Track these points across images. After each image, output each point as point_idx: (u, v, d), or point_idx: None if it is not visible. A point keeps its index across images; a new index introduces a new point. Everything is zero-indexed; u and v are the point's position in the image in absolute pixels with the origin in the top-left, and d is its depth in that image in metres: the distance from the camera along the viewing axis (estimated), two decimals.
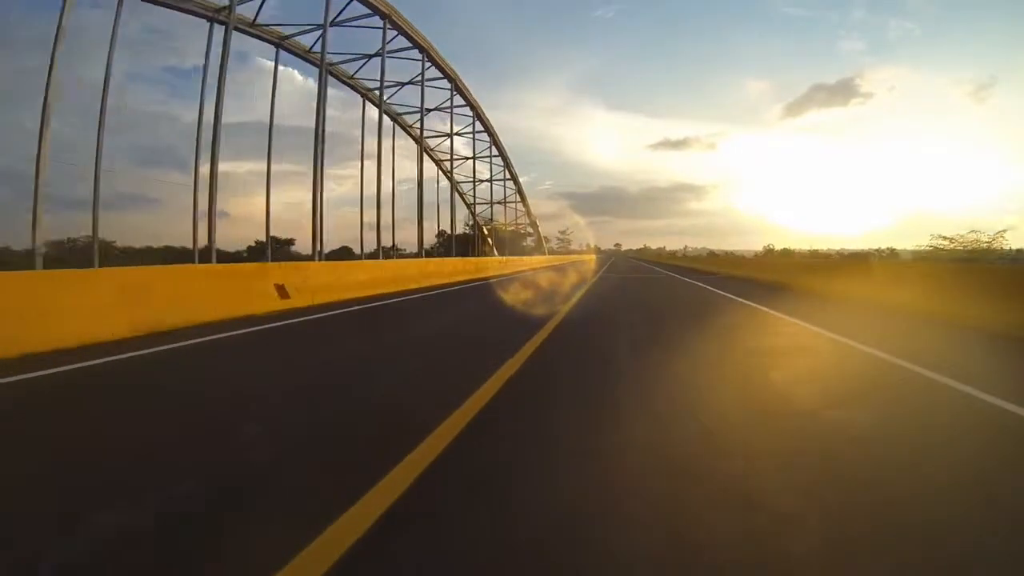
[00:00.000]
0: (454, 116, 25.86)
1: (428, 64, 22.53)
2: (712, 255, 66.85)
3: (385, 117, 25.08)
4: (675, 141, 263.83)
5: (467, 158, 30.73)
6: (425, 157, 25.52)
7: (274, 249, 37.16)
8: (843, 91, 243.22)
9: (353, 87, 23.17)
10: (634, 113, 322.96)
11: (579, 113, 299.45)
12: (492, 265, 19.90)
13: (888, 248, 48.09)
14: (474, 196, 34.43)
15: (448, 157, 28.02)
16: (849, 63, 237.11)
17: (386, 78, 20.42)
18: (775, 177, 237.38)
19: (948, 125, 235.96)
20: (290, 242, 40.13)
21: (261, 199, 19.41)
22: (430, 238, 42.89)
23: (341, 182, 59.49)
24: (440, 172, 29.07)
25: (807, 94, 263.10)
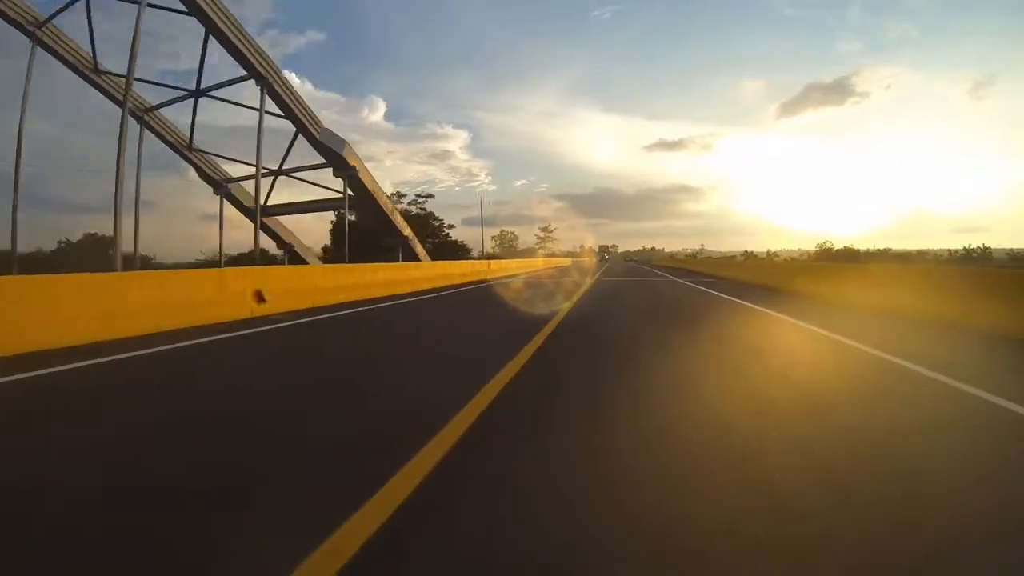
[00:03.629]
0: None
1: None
2: (749, 257, 53.35)
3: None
4: (670, 142, 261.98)
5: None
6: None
7: (99, 246, 30.80)
8: (839, 90, 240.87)
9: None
10: (630, 115, 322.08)
11: (575, 115, 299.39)
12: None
13: (981, 246, 39.64)
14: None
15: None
16: (845, 63, 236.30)
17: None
18: (772, 177, 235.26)
19: (946, 124, 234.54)
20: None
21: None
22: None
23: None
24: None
25: (803, 93, 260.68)
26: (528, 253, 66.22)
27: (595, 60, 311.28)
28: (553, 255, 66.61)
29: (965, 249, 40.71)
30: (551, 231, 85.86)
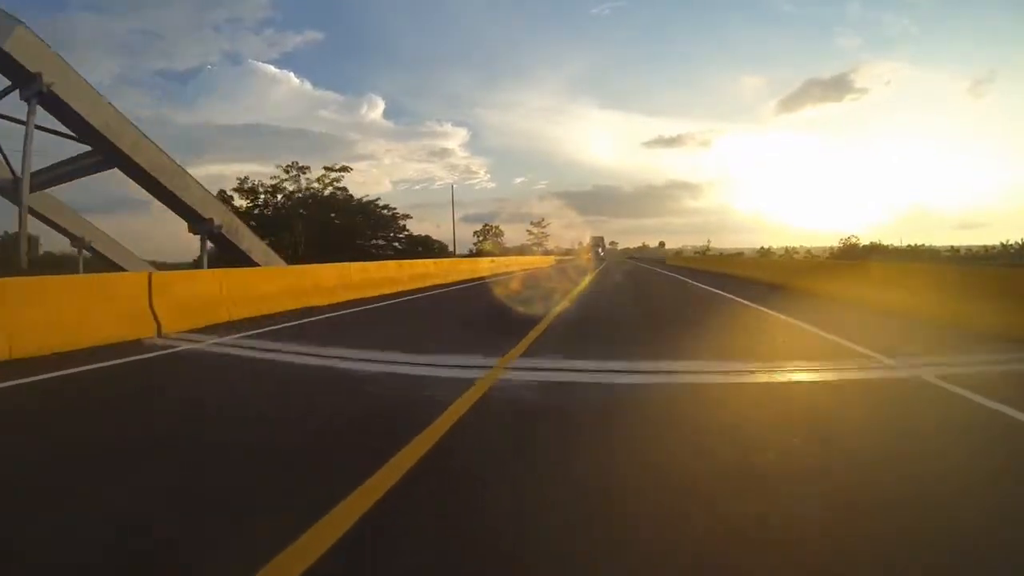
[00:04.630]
0: None
1: None
2: (764, 254, 48.10)
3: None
4: (669, 138, 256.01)
5: None
6: None
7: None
8: (838, 86, 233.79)
9: None
10: (628, 111, 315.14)
11: (573, 112, 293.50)
12: None
13: (1020, 241, 36.06)
14: None
15: None
16: (844, 58, 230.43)
17: None
18: (771, 173, 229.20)
19: (946, 120, 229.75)
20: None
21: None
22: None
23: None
24: None
25: (802, 88, 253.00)
26: (525, 251, 59.64)
27: (594, 57, 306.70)
28: (550, 253, 59.60)
29: (1002, 245, 39.87)
30: (544, 226, 73.23)
